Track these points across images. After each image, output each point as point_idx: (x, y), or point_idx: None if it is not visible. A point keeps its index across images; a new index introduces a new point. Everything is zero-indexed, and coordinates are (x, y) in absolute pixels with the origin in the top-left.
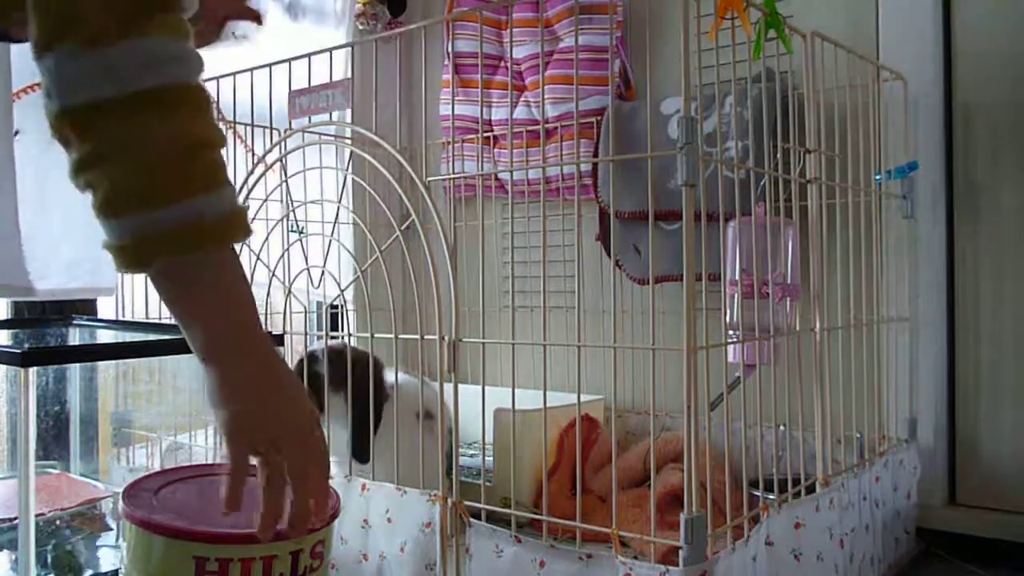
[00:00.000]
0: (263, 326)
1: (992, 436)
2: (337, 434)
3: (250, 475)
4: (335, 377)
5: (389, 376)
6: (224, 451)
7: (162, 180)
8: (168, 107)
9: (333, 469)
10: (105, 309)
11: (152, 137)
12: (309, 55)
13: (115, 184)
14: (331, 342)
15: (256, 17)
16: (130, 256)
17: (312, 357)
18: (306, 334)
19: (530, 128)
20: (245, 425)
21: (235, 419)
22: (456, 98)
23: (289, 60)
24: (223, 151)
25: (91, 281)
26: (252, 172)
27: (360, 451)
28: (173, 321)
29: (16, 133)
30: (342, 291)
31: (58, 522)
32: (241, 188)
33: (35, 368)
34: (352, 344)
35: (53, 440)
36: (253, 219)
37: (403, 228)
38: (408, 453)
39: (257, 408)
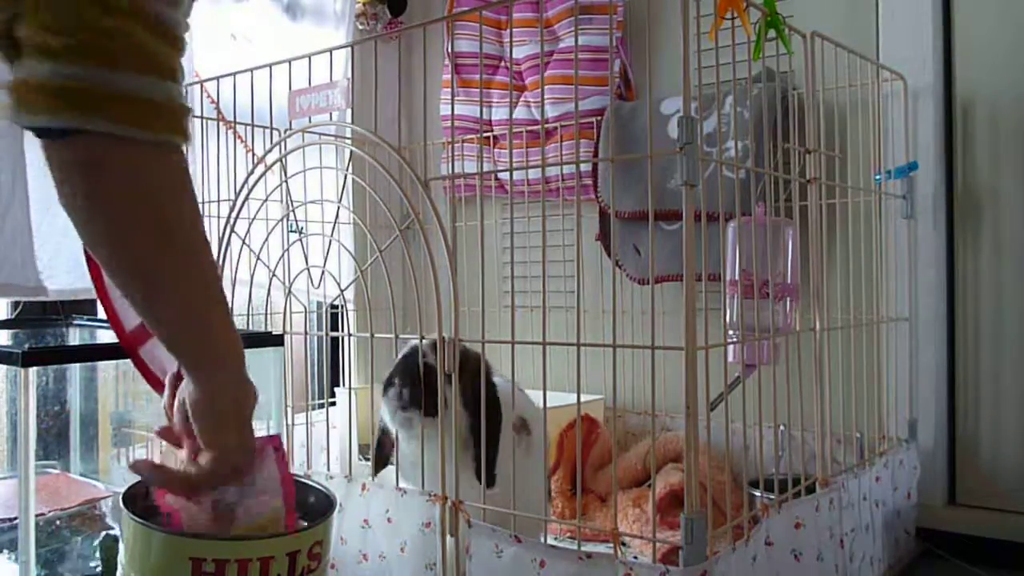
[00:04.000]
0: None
1: (992, 436)
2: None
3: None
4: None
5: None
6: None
7: (90, 43)
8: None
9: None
10: None
11: (90, 14)
12: (309, 55)
13: (75, 44)
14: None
15: None
16: (71, 96)
17: (417, 353)
18: (306, 334)
19: (530, 128)
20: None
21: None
22: (456, 98)
23: (289, 60)
24: (171, 75)
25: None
26: (252, 172)
27: (490, 474)
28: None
29: None
30: (342, 291)
31: (58, 522)
32: (241, 188)
33: (35, 368)
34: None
35: (53, 440)
36: (253, 219)
37: (403, 228)
38: (508, 473)
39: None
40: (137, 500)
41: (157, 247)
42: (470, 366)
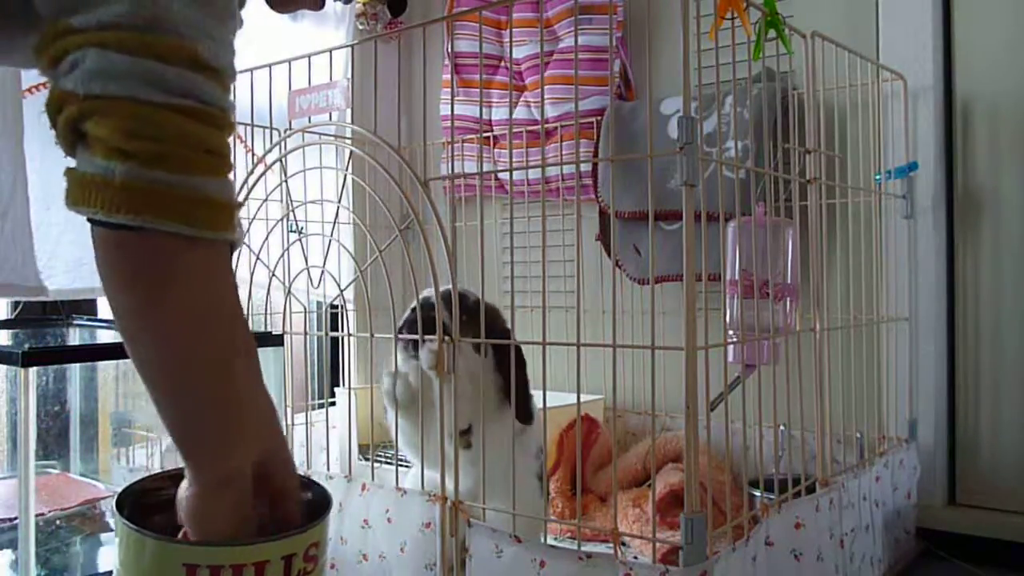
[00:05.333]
0: (239, 362)
1: (992, 436)
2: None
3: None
4: (463, 331)
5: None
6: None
7: (171, 151)
8: (196, 116)
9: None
10: (105, 309)
11: (172, 125)
12: (309, 55)
13: (123, 135)
14: (447, 289)
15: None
16: (113, 193)
17: (427, 304)
18: (306, 334)
19: (530, 128)
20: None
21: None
22: (456, 98)
23: (289, 60)
24: (229, 172)
25: (92, 281)
26: (252, 172)
27: (526, 412)
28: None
29: None
30: (342, 291)
31: (58, 522)
32: (241, 188)
33: (35, 368)
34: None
35: (53, 440)
36: (253, 219)
37: (403, 228)
38: (504, 468)
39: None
40: (131, 504)
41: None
42: (497, 321)
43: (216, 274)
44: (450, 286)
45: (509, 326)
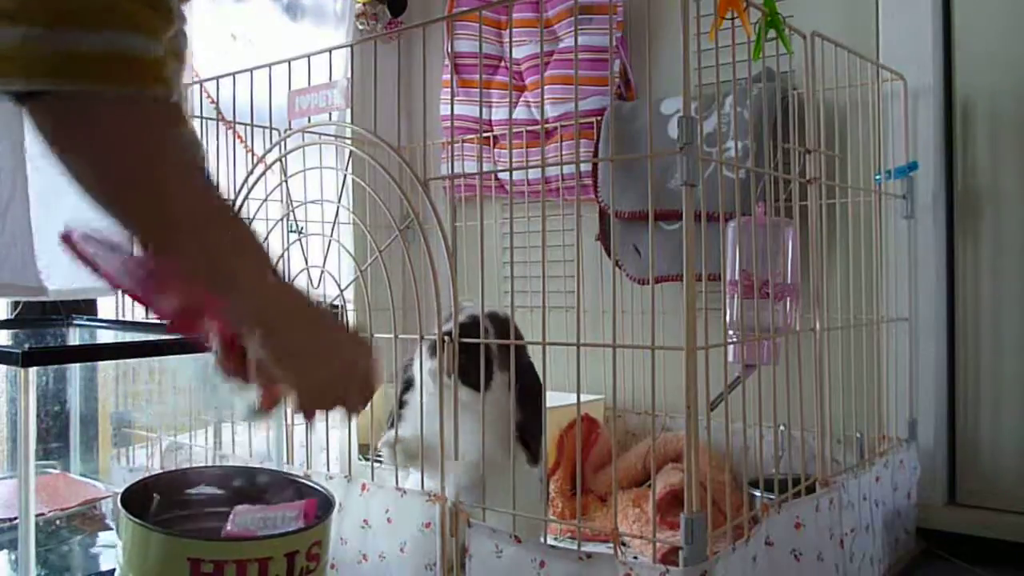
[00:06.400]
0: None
1: (992, 436)
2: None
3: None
4: (499, 354)
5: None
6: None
7: (75, 8)
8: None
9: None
10: (105, 309)
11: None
12: (309, 55)
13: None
14: (471, 311)
15: None
16: (20, 60)
17: (471, 321)
18: None
19: (530, 128)
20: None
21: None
22: (456, 98)
23: (289, 60)
24: (148, 25)
25: (92, 281)
26: (252, 172)
27: (537, 451)
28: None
29: None
30: (342, 291)
31: (58, 522)
32: (241, 188)
33: (35, 368)
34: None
35: (53, 440)
36: (252, 219)
37: (403, 228)
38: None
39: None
40: (136, 501)
41: (150, 195)
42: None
43: (146, 129)
44: (483, 308)
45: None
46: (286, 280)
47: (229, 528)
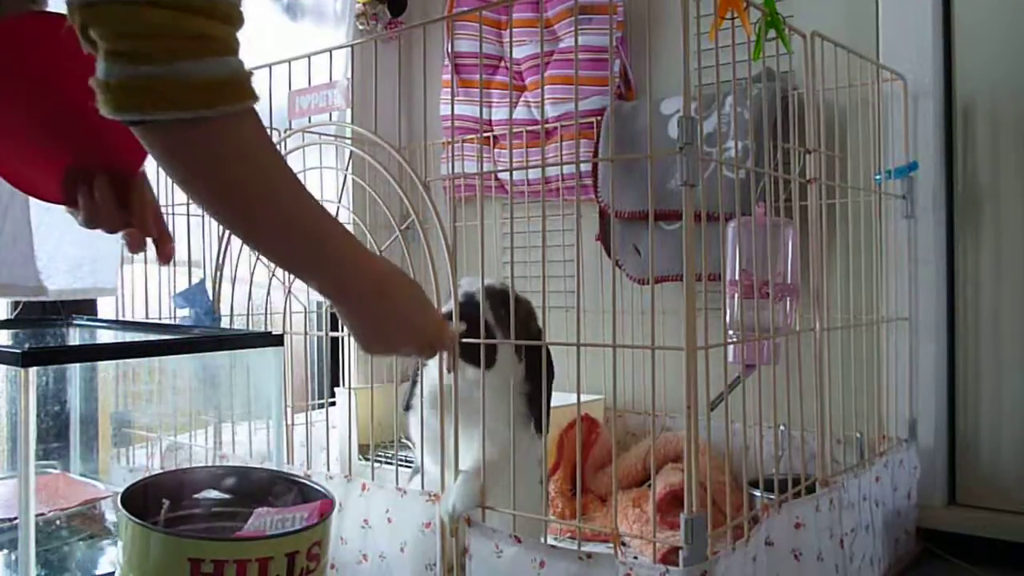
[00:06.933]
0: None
1: (992, 436)
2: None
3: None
4: (500, 327)
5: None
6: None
7: (154, 46)
8: (174, 7)
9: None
10: (105, 309)
11: (151, 20)
12: (309, 55)
13: (113, 37)
14: (488, 284)
15: None
16: (114, 93)
17: (468, 300)
18: (306, 334)
19: (530, 128)
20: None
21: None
22: (456, 98)
23: (289, 60)
24: (221, 49)
25: (92, 281)
26: None
27: (542, 421)
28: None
29: None
30: None
31: (58, 522)
32: None
33: (35, 368)
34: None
35: (53, 440)
36: None
37: (403, 228)
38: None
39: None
40: (136, 501)
41: (250, 201)
42: (520, 311)
43: (236, 141)
44: (485, 282)
45: (542, 325)
46: (368, 256)
47: (244, 529)
